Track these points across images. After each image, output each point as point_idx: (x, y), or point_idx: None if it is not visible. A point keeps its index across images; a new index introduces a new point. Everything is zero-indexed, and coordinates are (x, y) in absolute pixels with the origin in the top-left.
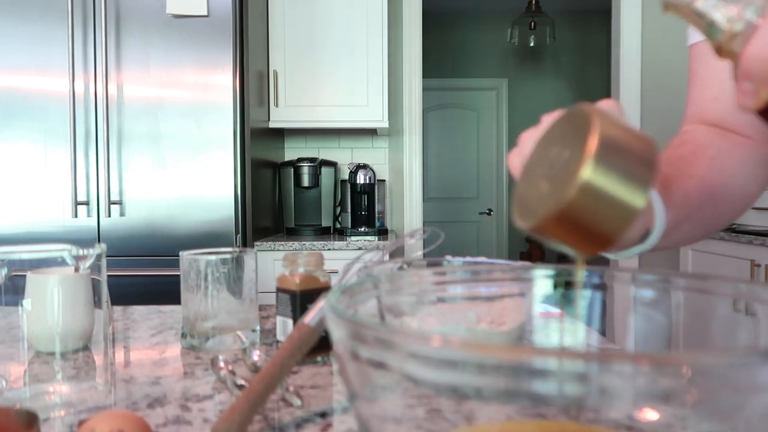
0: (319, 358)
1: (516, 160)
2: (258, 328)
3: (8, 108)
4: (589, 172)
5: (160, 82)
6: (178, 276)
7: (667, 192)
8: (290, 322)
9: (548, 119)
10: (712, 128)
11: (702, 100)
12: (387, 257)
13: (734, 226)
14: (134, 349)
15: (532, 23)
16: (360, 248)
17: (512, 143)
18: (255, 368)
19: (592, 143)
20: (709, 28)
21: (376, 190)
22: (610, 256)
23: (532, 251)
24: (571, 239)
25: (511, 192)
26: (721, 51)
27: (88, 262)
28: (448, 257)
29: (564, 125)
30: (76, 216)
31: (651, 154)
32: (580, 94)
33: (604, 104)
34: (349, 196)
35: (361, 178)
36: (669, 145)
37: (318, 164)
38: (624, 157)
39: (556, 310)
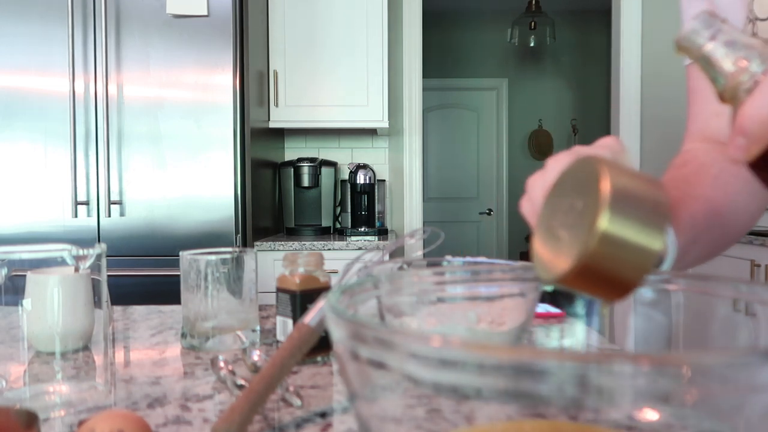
0: (319, 358)
1: (527, 206)
2: (258, 328)
3: (8, 108)
4: (605, 223)
5: (160, 82)
6: (178, 276)
7: (675, 217)
8: (290, 322)
9: (553, 164)
10: (715, 145)
11: (703, 116)
12: (387, 257)
13: None
14: (134, 349)
15: (532, 23)
16: (360, 248)
17: (512, 143)
18: (255, 368)
19: (605, 194)
20: (715, 74)
21: (376, 190)
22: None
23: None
24: (595, 289)
25: (510, 193)
26: (723, 98)
27: (88, 262)
28: (448, 257)
29: (573, 176)
30: (76, 216)
31: (661, 195)
32: (580, 94)
33: (604, 142)
34: (349, 196)
35: (361, 178)
36: (671, 165)
37: (318, 164)
38: (637, 203)
39: (556, 310)
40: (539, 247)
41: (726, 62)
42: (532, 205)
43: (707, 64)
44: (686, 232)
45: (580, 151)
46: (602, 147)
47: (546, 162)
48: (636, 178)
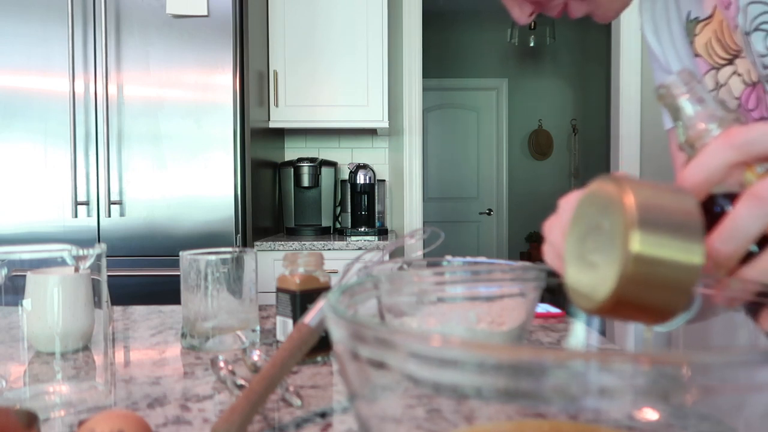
0: (319, 358)
1: (549, 251)
2: (258, 328)
3: (8, 108)
4: (637, 244)
5: (160, 82)
6: (178, 276)
7: None
8: (290, 322)
9: (565, 204)
10: None
11: None
12: (387, 257)
13: None
14: (134, 349)
15: (532, 23)
16: (360, 248)
17: (512, 143)
18: (255, 368)
19: (631, 211)
20: (681, 125)
21: (376, 190)
22: (661, 328)
23: (532, 251)
24: (639, 315)
25: (510, 193)
26: (682, 148)
27: (88, 262)
28: (448, 257)
29: (591, 201)
30: (76, 216)
31: (690, 203)
32: (580, 94)
33: (615, 176)
34: (349, 196)
35: (361, 178)
36: None
37: (318, 164)
38: (667, 216)
39: (556, 310)
40: (573, 277)
41: (692, 117)
42: (553, 249)
43: (677, 114)
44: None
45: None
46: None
47: (558, 203)
48: (660, 189)
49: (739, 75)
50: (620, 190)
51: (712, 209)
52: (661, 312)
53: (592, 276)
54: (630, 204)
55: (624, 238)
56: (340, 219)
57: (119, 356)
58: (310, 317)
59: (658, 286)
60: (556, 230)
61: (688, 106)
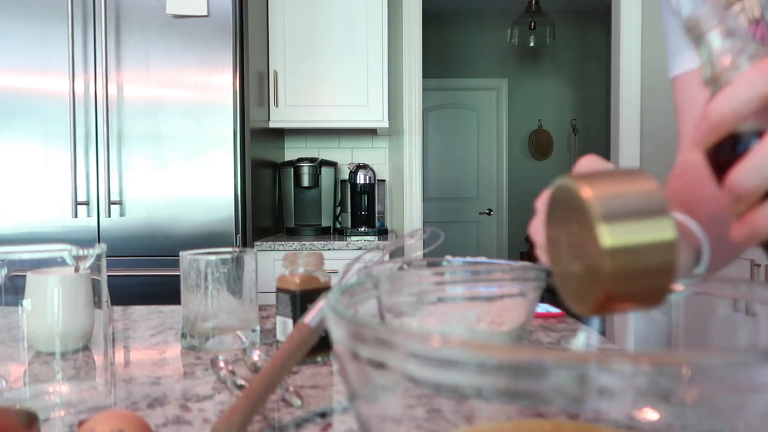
0: (319, 358)
1: (542, 255)
2: (258, 328)
3: (8, 108)
4: (608, 239)
5: (160, 82)
6: (178, 276)
7: (695, 216)
8: (290, 322)
9: (542, 204)
10: None
11: (691, 129)
12: (387, 257)
13: None
14: (134, 349)
15: (532, 23)
16: (360, 248)
17: (512, 143)
18: (255, 368)
19: (593, 208)
20: (708, 60)
21: (376, 190)
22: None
23: (532, 251)
24: (633, 303)
25: (510, 193)
26: (707, 84)
27: (88, 262)
28: (448, 257)
29: (557, 204)
30: (76, 216)
31: (649, 181)
32: (580, 94)
33: (583, 161)
34: (349, 196)
35: (361, 178)
36: (669, 178)
37: (318, 164)
38: (627, 200)
39: (556, 310)
40: (561, 285)
41: (721, 51)
42: (544, 252)
43: (704, 48)
44: (710, 229)
45: None
46: (581, 166)
47: (536, 206)
48: (616, 177)
49: (745, 12)
50: (576, 187)
51: (735, 149)
52: (652, 295)
53: (576, 280)
54: (589, 199)
55: (593, 235)
56: (340, 219)
57: (119, 356)
58: (310, 317)
59: (641, 272)
60: (540, 232)
61: (716, 39)
